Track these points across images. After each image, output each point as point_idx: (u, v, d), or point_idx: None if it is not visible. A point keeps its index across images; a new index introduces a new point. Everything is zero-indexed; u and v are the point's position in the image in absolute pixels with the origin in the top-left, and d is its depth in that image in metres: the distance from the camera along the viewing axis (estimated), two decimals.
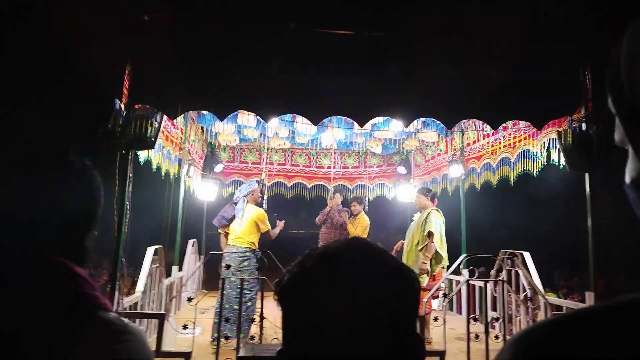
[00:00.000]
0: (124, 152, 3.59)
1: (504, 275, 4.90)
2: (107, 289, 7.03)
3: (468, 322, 3.97)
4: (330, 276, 0.68)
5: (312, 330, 0.67)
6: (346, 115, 4.29)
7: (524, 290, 4.98)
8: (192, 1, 3.54)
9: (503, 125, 4.72)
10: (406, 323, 0.69)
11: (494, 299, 5.28)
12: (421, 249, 5.10)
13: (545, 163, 4.86)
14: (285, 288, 0.72)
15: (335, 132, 6.15)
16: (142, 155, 4.30)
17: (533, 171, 5.15)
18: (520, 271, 5.04)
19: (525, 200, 10.42)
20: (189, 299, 4.01)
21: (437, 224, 5.09)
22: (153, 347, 3.87)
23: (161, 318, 3.92)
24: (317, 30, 3.93)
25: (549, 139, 4.67)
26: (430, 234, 5.01)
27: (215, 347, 3.91)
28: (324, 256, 0.71)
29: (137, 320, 4.48)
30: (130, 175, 3.62)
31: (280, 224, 5.69)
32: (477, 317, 4.39)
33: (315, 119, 3.99)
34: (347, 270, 0.69)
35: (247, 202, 5.36)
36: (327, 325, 0.65)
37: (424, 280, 5.00)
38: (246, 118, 5.39)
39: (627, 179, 0.44)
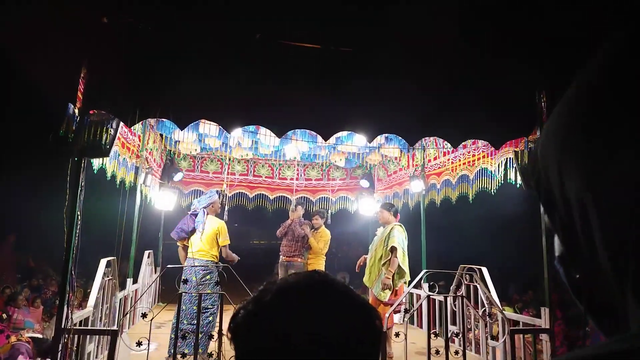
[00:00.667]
0: (76, 159, 3.41)
1: (463, 290, 4.97)
2: (56, 302, 6.68)
3: (429, 337, 3.99)
4: (288, 313, 0.65)
5: None
6: (310, 129, 4.27)
7: (482, 305, 5.07)
8: (154, 6, 3.43)
9: (463, 143, 4.84)
10: None
11: (453, 313, 5.36)
12: (384, 264, 5.12)
13: (502, 182, 5.00)
14: (240, 325, 0.67)
15: (299, 144, 6.12)
16: (96, 162, 4.11)
17: (490, 189, 5.30)
18: (478, 286, 5.14)
19: (482, 216, 10.73)
20: (144, 315, 3.83)
21: (400, 239, 5.13)
22: None
23: (113, 334, 3.73)
24: (283, 42, 3.90)
25: (506, 159, 4.82)
26: (393, 249, 5.04)
27: None
28: (282, 292, 0.67)
29: (88, 337, 4.24)
30: (83, 183, 3.44)
31: (235, 257, 5.29)
32: (437, 332, 4.43)
33: (279, 131, 3.94)
34: (307, 307, 0.65)
35: (207, 213, 5.21)
36: None
37: (387, 295, 5.01)
38: (208, 127, 5.28)
39: (556, 255, 0.45)
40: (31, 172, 10.16)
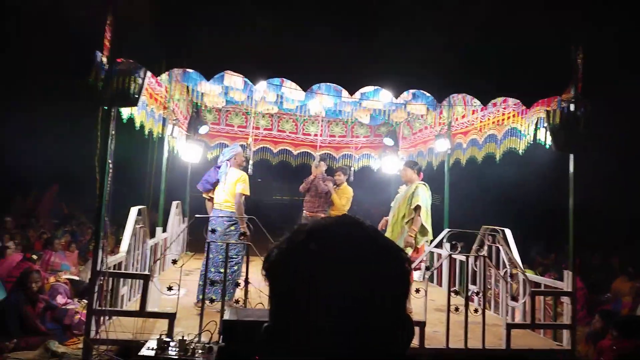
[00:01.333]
0: (105, 108, 3.47)
1: (484, 250, 4.98)
2: (90, 247, 6.99)
3: (449, 295, 4.05)
4: (320, 253, 0.65)
5: (301, 307, 0.64)
6: (336, 83, 4.20)
7: (504, 266, 5.08)
8: None
9: (492, 101, 4.70)
10: (397, 303, 0.67)
11: (474, 273, 5.39)
12: (407, 222, 5.14)
13: (532, 142, 4.87)
14: (274, 264, 0.69)
15: (323, 99, 6.06)
16: (125, 112, 4.16)
17: (519, 149, 5.17)
18: (500, 247, 5.13)
19: (508, 177, 10.56)
20: (174, 261, 3.99)
21: (424, 198, 5.12)
22: (137, 307, 3.88)
23: (145, 279, 3.91)
24: None
25: (537, 118, 4.66)
26: (417, 208, 5.04)
27: (200, 309, 3.92)
28: (314, 232, 0.68)
29: (122, 280, 4.46)
30: (113, 132, 3.51)
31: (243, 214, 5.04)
32: (457, 290, 4.49)
33: (305, 85, 3.90)
34: (338, 248, 0.66)
35: (230, 165, 5.26)
36: (316, 304, 0.63)
37: (408, 253, 5.07)
38: (233, 80, 5.25)
39: None
40: (65, 120, 10.44)
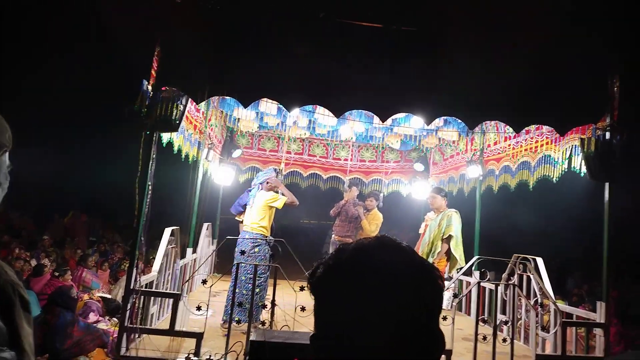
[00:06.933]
0: (148, 132, 3.65)
1: (515, 279, 4.87)
2: (122, 267, 7.11)
3: (477, 323, 3.97)
4: (363, 270, 0.72)
5: (344, 319, 0.70)
6: (368, 109, 4.28)
7: (535, 295, 4.95)
8: None
9: (525, 129, 4.67)
10: (431, 317, 0.73)
11: (503, 302, 5.27)
12: (438, 252, 5.20)
13: (566, 170, 4.80)
14: (320, 279, 0.76)
15: (355, 125, 6.15)
16: (165, 136, 4.35)
17: (553, 177, 5.09)
18: (532, 276, 5.01)
19: (542, 205, 10.31)
20: (204, 282, 4.08)
21: (457, 227, 5.15)
22: (165, 325, 3.96)
23: (176, 298, 4.00)
24: (345, 22, 3.93)
25: (571, 146, 4.60)
26: (450, 238, 5.08)
27: (226, 329, 3.96)
28: (357, 251, 0.75)
29: (152, 298, 4.56)
30: (154, 156, 3.68)
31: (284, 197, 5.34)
32: (485, 319, 4.40)
33: (337, 111, 3.99)
34: (379, 265, 0.73)
35: (261, 189, 5.36)
36: (358, 315, 0.69)
37: None
38: (268, 106, 5.42)
39: None
40: (100, 145, 10.90)
